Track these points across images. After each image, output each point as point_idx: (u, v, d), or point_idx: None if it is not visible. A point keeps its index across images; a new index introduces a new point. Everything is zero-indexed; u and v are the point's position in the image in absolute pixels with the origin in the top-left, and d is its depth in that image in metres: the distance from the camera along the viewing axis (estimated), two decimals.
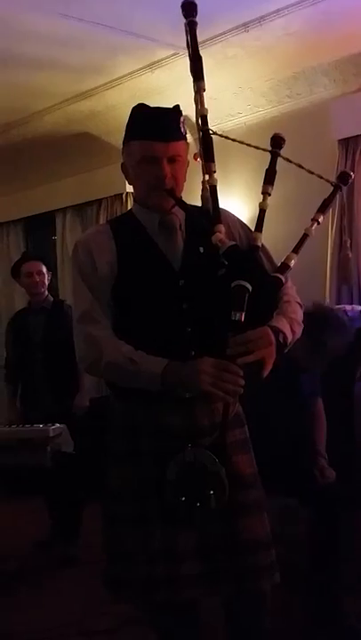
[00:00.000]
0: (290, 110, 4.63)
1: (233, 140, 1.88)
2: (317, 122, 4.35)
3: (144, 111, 1.86)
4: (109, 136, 5.40)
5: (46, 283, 4.20)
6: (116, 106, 4.87)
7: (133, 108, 1.89)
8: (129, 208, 5.44)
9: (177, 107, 1.87)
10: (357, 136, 4.16)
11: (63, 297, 5.92)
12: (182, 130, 1.86)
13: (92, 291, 1.87)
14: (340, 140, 4.25)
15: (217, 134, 1.84)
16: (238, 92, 4.65)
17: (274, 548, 1.89)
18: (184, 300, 1.84)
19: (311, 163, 1.96)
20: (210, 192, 1.83)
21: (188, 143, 1.90)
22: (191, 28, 1.85)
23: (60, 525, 4.06)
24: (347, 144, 4.21)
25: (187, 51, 1.87)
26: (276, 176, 1.88)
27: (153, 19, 3.66)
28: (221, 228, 1.78)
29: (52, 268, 6.02)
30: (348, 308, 3.77)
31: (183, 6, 1.85)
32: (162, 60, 4.23)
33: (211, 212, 1.83)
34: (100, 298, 1.87)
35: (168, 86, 4.44)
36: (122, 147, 1.93)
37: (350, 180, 1.97)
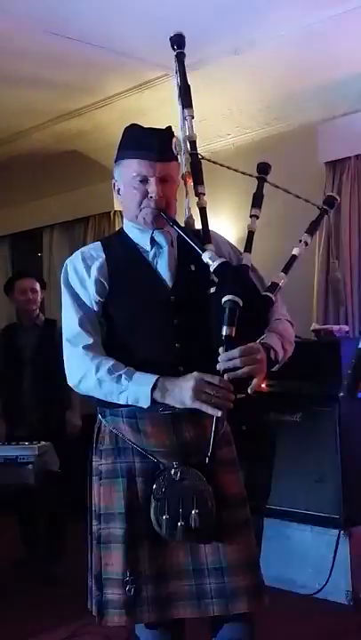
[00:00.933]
0: (278, 132, 4.67)
1: (221, 165, 1.93)
2: (305, 144, 4.38)
3: (136, 131, 1.89)
4: (98, 154, 5.42)
5: (39, 300, 4.19)
6: (105, 125, 4.90)
7: (126, 128, 1.91)
8: (116, 226, 5.50)
9: (169, 128, 1.89)
10: (344, 159, 4.20)
11: (50, 314, 5.92)
12: (174, 151, 1.88)
13: (82, 308, 1.88)
14: (327, 163, 4.29)
15: (206, 159, 1.88)
16: (227, 114, 4.69)
17: (260, 569, 1.88)
18: (175, 316, 1.85)
19: (299, 184, 1.99)
20: (200, 214, 1.86)
21: (179, 164, 1.92)
22: (180, 60, 1.92)
23: (46, 544, 4.02)
24: (334, 166, 4.25)
25: (175, 76, 1.93)
26: (265, 197, 1.90)
27: (143, 39, 3.69)
28: (211, 247, 1.80)
29: None
30: (335, 328, 3.79)
31: (172, 39, 1.92)
32: (151, 80, 4.26)
33: (201, 233, 1.84)
34: (90, 315, 1.87)
35: (157, 107, 4.45)
36: (113, 165, 1.95)
37: (336, 204, 2.00)
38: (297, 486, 3.44)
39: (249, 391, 1.74)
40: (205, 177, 1.91)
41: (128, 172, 1.87)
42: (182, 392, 1.72)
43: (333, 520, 3.32)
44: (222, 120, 4.73)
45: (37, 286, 4.18)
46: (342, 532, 3.28)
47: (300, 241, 1.89)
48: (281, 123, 4.64)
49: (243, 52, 3.89)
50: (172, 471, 1.77)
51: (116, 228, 5.43)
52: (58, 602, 3.47)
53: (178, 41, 1.92)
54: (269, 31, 3.69)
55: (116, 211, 5.46)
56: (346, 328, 3.89)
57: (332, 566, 3.26)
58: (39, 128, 5.14)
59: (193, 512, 1.74)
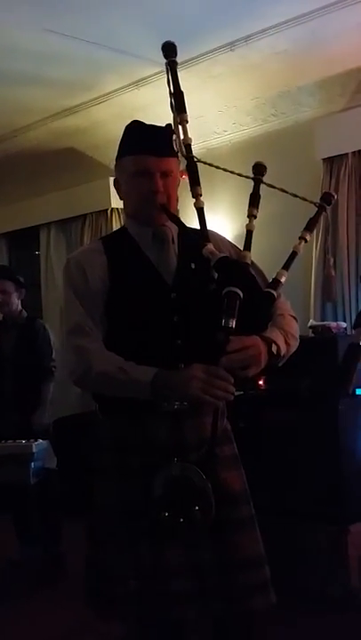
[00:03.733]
0: (275, 129, 4.66)
1: (217, 167, 1.92)
2: (302, 141, 4.38)
3: (138, 127, 1.91)
4: (94, 152, 5.41)
5: (13, 301, 4.20)
6: (102, 122, 4.89)
7: (127, 125, 1.93)
8: (113, 223, 5.49)
9: (169, 125, 1.91)
10: (342, 155, 4.19)
11: (47, 311, 5.92)
12: (174, 147, 1.89)
13: (83, 304, 1.89)
14: (324, 159, 4.28)
15: (201, 162, 1.88)
16: (224, 110, 4.68)
17: (267, 567, 1.88)
18: (175, 313, 1.86)
19: (296, 181, 1.99)
20: (198, 214, 1.86)
21: (179, 160, 1.93)
22: (172, 68, 1.91)
23: (45, 535, 4.04)
24: (331, 163, 4.24)
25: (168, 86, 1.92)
26: (262, 195, 1.91)
27: (139, 36, 3.68)
28: (210, 245, 1.80)
29: (36, 283, 6.04)
30: (333, 325, 3.78)
31: (164, 48, 1.91)
32: (148, 77, 4.25)
33: (200, 232, 1.85)
34: (92, 311, 1.88)
35: (154, 103, 4.43)
36: (115, 162, 1.96)
37: (333, 201, 2.01)
38: (295, 483, 3.44)
39: (243, 379, 1.74)
40: (202, 175, 1.91)
41: (130, 168, 1.89)
42: (183, 383, 1.73)
43: (331, 517, 3.32)
44: (219, 116, 4.72)
45: (10, 287, 4.20)
46: (340, 529, 3.29)
47: (300, 238, 1.90)
48: (278, 119, 4.63)
49: (239, 48, 3.87)
50: (173, 467, 1.77)
51: (114, 226, 5.46)
52: (55, 600, 3.47)
53: (169, 49, 1.91)
54: (265, 27, 3.68)
55: (113, 208, 5.46)
56: (343, 325, 3.88)
57: (331, 563, 3.26)
58: (36, 125, 5.12)
59: (196, 508, 1.74)
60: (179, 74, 1.91)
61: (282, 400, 3.52)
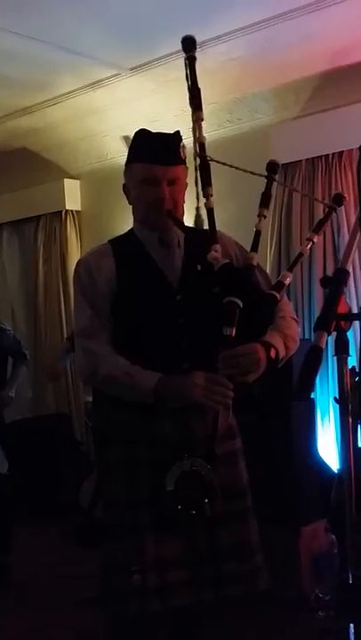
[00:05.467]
0: (231, 135, 4.68)
1: (230, 166, 1.96)
2: (257, 147, 4.38)
3: (146, 136, 1.97)
4: (49, 153, 5.36)
5: None
6: (57, 123, 4.85)
7: (136, 133, 1.99)
8: (68, 226, 5.44)
9: (177, 132, 1.98)
10: (296, 162, 4.24)
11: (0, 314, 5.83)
12: (182, 155, 1.95)
13: (91, 307, 1.96)
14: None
15: (214, 160, 1.92)
16: (180, 115, 4.67)
17: (260, 555, 1.98)
18: (180, 315, 1.93)
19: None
20: (207, 214, 1.90)
21: (187, 167, 1.99)
22: (190, 63, 1.99)
23: None
24: (286, 169, 4.28)
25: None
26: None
27: (96, 38, 3.66)
28: (218, 247, 1.86)
29: None
30: None
31: (183, 42, 1.99)
32: (104, 79, 4.22)
33: (208, 232, 1.90)
34: (100, 313, 1.96)
35: (109, 106, 4.44)
36: (124, 168, 2.02)
37: (343, 201, 2.08)
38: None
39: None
40: None
41: (138, 175, 1.95)
42: (185, 390, 1.82)
43: (285, 519, 3.35)
44: (174, 121, 4.70)
45: None
46: (292, 530, 3.31)
47: (307, 239, 1.97)
48: (233, 125, 4.66)
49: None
50: (184, 462, 1.85)
51: (68, 228, 5.43)
52: (4, 607, 3.42)
53: (188, 44, 1.98)
54: (220, 33, 3.70)
55: (67, 210, 5.41)
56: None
57: (282, 565, 3.28)
58: None
59: (205, 501, 1.84)
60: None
61: (235, 403, 3.53)
